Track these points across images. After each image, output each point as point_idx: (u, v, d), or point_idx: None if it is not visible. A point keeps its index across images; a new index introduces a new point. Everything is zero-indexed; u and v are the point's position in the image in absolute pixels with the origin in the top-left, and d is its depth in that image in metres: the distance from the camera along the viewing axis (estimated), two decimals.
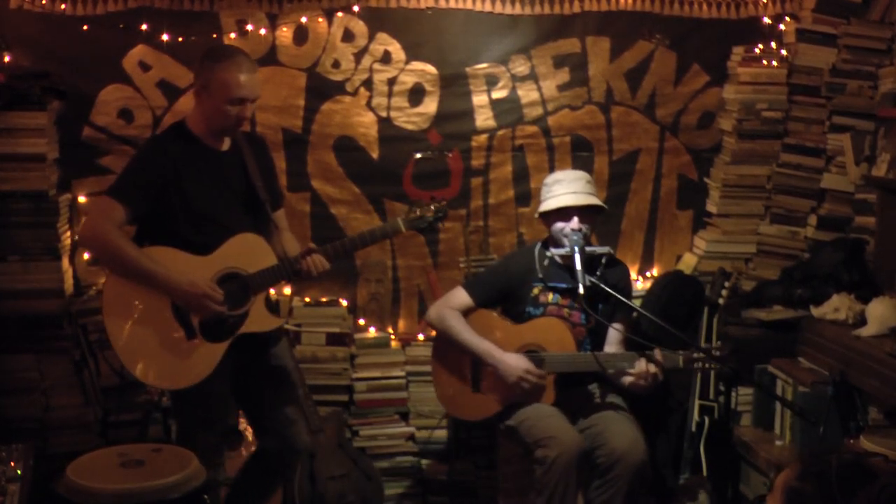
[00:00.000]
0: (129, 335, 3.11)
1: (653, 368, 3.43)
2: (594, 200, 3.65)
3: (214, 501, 3.34)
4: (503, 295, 3.75)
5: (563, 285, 3.68)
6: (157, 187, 3.11)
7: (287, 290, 3.88)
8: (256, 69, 3.23)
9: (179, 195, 3.12)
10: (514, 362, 3.57)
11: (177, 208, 3.12)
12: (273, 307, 3.28)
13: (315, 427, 3.81)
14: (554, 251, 3.68)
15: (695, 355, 3.48)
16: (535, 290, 3.70)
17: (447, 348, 3.73)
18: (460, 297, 3.73)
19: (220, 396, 3.26)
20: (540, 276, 3.70)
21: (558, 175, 3.73)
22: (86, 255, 4.13)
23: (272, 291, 3.38)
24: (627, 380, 3.51)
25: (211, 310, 3.09)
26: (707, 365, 3.53)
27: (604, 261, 3.67)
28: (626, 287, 3.74)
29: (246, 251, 3.18)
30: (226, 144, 3.26)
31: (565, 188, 3.63)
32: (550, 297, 3.68)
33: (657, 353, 3.45)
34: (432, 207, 3.37)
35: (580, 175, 3.71)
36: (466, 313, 3.72)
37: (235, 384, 3.33)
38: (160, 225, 3.15)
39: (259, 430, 3.51)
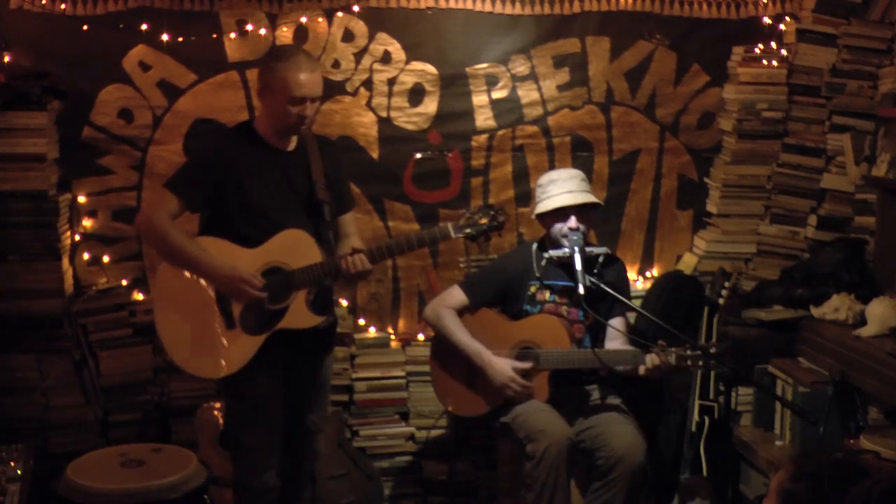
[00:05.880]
0: (174, 323, 3.18)
1: (657, 360, 3.41)
2: (590, 198, 3.66)
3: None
4: (500, 294, 3.76)
5: (560, 283, 3.68)
6: (213, 181, 3.13)
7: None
8: (317, 68, 3.18)
9: (237, 190, 3.13)
10: (500, 368, 3.57)
11: (233, 203, 3.13)
12: (318, 306, 3.21)
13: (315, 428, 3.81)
14: (552, 252, 3.67)
15: (688, 353, 3.41)
16: (532, 289, 3.71)
17: (445, 345, 3.74)
18: (456, 296, 3.75)
19: (268, 396, 3.21)
20: (537, 274, 3.71)
21: (552, 175, 3.73)
22: (86, 255, 4.14)
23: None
24: (642, 370, 3.47)
25: (249, 295, 3.09)
26: (701, 363, 3.45)
27: (601, 259, 3.67)
28: (623, 284, 3.74)
29: (292, 247, 3.15)
30: (291, 145, 3.24)
31: (560, 188, 3.64)
32: (548, 295, 3.69)
33: (654, 356, 3.43)
34: (490, 213, 3.21)
35: (574, 173, 3.71)
36: (462, 312, 3.73)
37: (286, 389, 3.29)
38: (217, 217, 3.18)
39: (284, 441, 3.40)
